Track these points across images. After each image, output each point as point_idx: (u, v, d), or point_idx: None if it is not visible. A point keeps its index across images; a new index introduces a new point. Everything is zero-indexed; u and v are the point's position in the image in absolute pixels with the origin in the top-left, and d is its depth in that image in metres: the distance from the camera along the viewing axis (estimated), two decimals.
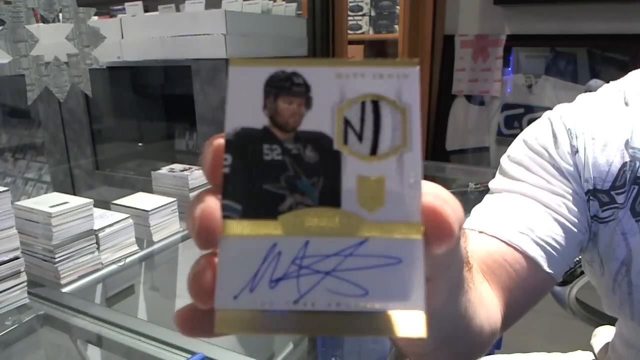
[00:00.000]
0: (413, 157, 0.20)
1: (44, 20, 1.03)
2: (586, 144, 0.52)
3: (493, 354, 0.87)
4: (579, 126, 0.53)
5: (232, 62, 0.21)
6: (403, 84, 0.21)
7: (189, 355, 0.69)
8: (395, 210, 0.20)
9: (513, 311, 0.50)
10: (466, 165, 1.91)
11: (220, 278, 0.20)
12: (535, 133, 0.56)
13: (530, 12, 1.78)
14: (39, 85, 0.93)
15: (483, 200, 0.57)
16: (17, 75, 0.90)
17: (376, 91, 0.21)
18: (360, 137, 0.20)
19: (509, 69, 1.86)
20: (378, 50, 2.69)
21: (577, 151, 0.52)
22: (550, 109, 0.57)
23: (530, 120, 0.60)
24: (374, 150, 0.20)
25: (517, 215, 0.52)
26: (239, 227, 0.20)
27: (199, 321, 0.21)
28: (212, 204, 0.20)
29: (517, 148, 0.57)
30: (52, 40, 0.97)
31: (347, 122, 0.21)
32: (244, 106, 0.20)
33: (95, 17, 1.20)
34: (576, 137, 0.52)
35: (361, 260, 0.20)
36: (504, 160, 0.58)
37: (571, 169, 0.52)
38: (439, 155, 2.00)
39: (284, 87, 0.20)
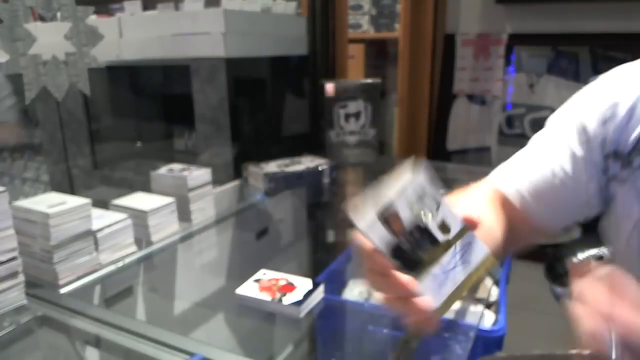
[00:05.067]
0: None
1: (42, 19, 1.02)
2: (618, 111, 0.58)
3: (494, 354, 0.86)
4: (614, 94, 0.59)
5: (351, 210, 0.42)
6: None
7: (188, 357, 0.69)
8: (454, 230, 0.46)
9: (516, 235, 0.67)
10: (467, 165, 1.90)
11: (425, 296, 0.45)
12: (576, 99, 0.64)
13: (532, 10, 1.78)
14: (36, 85, 0.92)
15: (520, 151, 0.69)
16: (15, 74, 0.90)
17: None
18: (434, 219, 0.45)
19: (511, 68, 1.85)
20: (378, 49, 2.69)
21: (608, 118, 0.59)
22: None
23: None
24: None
25: (525, 172, 0.66)
26: (417, 275, 0.45)
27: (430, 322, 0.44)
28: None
29: (560, 110, 0.66)
30: (50, 39, 0.96)
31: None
32: (376, 233, 0.43)
33: (94, 16, 1.20)
34: (611, 106, 0.59)
35: (460, 251, 0.46)
36: (549, 119, 0.67)
37: (599, 136, 0.59)
38: (439, 155, 1.99)
39: (386, 219, 0.42)
